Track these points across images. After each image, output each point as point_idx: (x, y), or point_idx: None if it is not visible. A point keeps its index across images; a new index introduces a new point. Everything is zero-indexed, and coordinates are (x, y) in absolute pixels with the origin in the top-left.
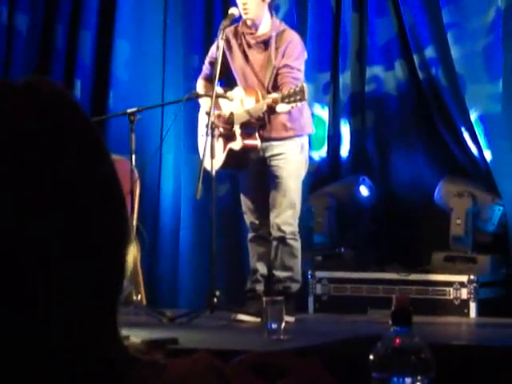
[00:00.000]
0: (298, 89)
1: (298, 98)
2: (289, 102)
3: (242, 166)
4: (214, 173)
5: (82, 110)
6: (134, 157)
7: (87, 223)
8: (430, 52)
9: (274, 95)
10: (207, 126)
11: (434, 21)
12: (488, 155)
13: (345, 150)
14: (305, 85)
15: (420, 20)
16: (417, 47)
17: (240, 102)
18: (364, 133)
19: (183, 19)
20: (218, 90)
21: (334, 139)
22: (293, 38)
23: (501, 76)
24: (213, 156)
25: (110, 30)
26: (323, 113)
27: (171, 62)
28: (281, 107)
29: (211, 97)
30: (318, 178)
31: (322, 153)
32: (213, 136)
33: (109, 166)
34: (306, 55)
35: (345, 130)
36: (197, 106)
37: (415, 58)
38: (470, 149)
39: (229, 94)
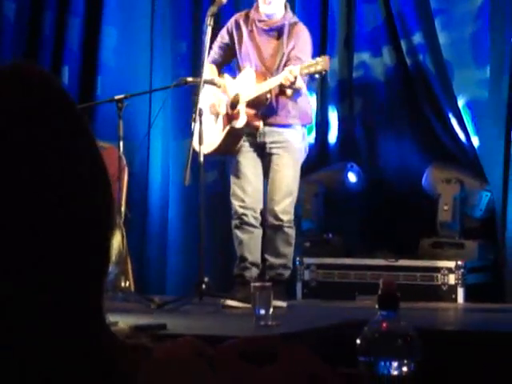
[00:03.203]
0: (319, 59)
1: (319, 67)
2: (309, 73)
3: (236, 150)
4: (205, 153)
5: (68, 95)
6: (121, 143)
7: (71, 208)
8: (417, 38)
9: (292, 67)
10: (194, 112)
11: (422, 7)
12: (475, 141)
13: (333, 137)
14: (326, 56)
15: (408, 6)
16: (404, 33)
17: (249, 85)
18: (352, 119)
19: (171, 6)
20: (227, 76)
21: (322, 126)
22: (304, 31)
23: (488, 62)
24: (201, 142)
25: (98, 16)
26: (311, 99)
27: (159, 49)
28: (300, 81)
29: (199, 83)
30: (306, 164)
31: (310, 139)
32: (201, 122)
33: (94, 152)
34: (312, 51)
35: (333, 116)
36: (185, 93)
37: (403, 44)
38: (457, 135)
39: (217, 80)
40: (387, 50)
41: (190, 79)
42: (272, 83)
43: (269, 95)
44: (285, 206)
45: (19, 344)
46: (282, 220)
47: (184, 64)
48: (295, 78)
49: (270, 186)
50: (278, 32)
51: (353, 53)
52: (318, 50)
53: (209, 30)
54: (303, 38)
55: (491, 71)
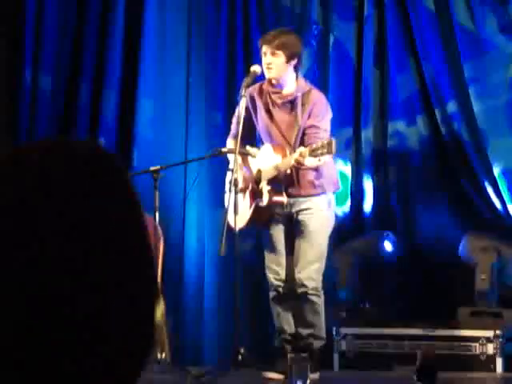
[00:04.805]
0: (325, 142)
1: (326, 150)
2: (316, 156)
3: (265, 223)
4: (237, 229)
5: (127, 177)
6: (157, 214)
7: (118, 281)
8: (451, 107)
9: (302, 149)
10: (230, 183)
11: (456, 75)
12: None
13: (368, 205)
14: (333, 139)
15: (441, 75)
16: (438, 102)
17: (268, 159)
18: (387, 188)
19: (206, 77)
20: (248, 147)
21: (357, 194)
22: (319, 98)
23: None
24: (236, 212)
25: (134, 88)
26: (346, 168)
27: (194, 120)
28: (309, 161)
29: (234, 153)
30: (342, 233)
31: (345, 208)
32: (236, 192)
33: (143, 227)
34: (331, 114)
35: (368, 185)
36: (220, 163)
37: (437, 112)
38: (493, 203)
39: (252, 150)
40: (421, 119)
41: (224, 149)
42: (286, 164)
43: (288, 170)
44: (310, 273)
45: None
46: (306, 286)
47: (219, 134)
48: (304, 159)
49: (296, 254)
50: (291, 105)
51: (387, 122)
52: (353, 119)
53: (243, 101)
54: (318, 105)
55: None
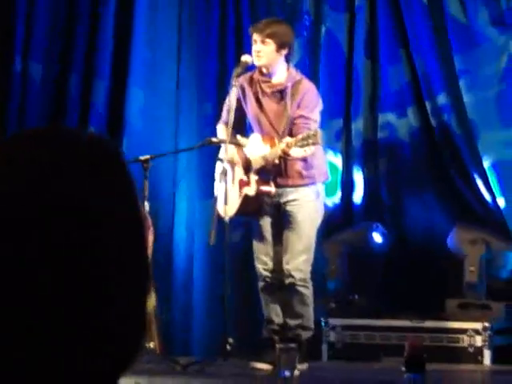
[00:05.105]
0: (311, 133)
1: (311, 141)
2: (302, 146)
3: (255, 212)
4: (227, 219)
5: (124, 162)
6: (147, 204)
7: (118, 278)
8: (442, 99)
9: (288, 139)
10: (220, 172)
11: (447, 67)
12: (501, 202)
13: (358, 197)
14: (319, 129)
15: (432, 67)
16: (429, 94)
17: (256, 149)
18: (377, 179)
19: (196, 67)
20: (238, 137)
21: (347, 186)
22: (309, 88)
23: None
24: (226, 202)
25: (124, 78)
26: (336, 159)
27: (184, 110)
28: (295, 151)
29: (225, 143)
30: (331, 224)
31: (335, 199)
32: (226, 182)
33: (142, 223)
34: (321, 105)
35: (358, 176)
36: (210, 153)
37: (428, 104)
38: (483, 195)
39: (242, 140)
40: (412, 111)
41: (214, 139)
42: (274, 154)
43: (277, 161)
44: (298, 264)
45: None
46: (294, 277)
47: (209, 124)
48: (290, 150)
49: (284, 245)
50: (281, 94)
51: (378, 113)
52: (343, 110)
53: (234, 91)
54: (307, 95)
55: None
